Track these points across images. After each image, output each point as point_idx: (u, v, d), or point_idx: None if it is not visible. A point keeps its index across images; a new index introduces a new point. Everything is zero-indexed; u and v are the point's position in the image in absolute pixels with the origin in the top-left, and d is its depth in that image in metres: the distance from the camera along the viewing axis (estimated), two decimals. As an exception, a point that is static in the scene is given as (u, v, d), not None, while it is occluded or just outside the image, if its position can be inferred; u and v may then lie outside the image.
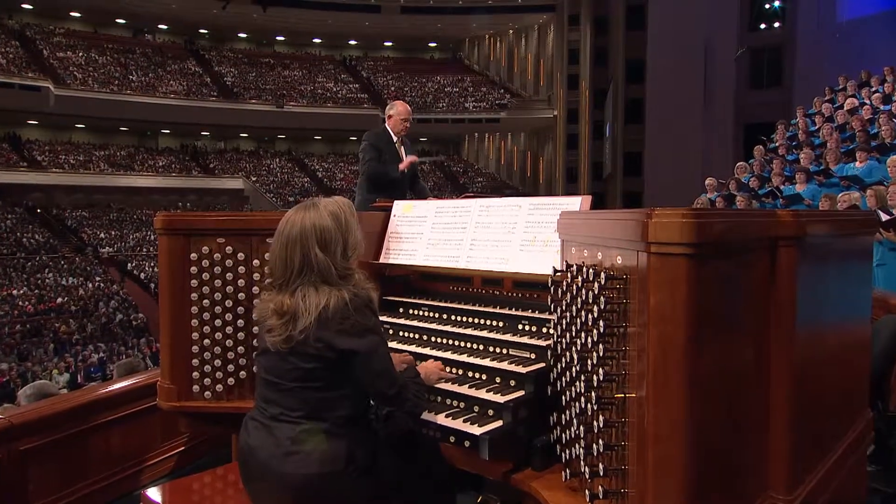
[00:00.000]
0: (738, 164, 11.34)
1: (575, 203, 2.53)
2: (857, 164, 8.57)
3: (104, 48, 38.59)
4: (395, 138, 4.92)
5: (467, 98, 44.47)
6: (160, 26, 43.01)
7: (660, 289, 1.44)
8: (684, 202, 12.26)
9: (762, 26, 27.56)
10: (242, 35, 45.90)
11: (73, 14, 39.55)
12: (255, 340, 2.77)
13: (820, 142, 10.61)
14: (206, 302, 2.78)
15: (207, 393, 2.79)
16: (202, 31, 44.23)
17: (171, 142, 40.85)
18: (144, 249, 30.35)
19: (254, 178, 38.95)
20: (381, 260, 3.10)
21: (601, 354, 1.62)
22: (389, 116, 4.95)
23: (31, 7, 37.53)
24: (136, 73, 37.76)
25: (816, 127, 11.78)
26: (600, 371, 1.62)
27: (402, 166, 4.80)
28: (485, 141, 47.61)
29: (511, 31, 46.74)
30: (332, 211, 1.96)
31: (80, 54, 36.98)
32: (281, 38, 46.82)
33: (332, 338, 1.83)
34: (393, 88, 44.49)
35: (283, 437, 1.85)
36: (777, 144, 11.97)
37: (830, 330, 2.12)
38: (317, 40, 47.29)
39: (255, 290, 2.79)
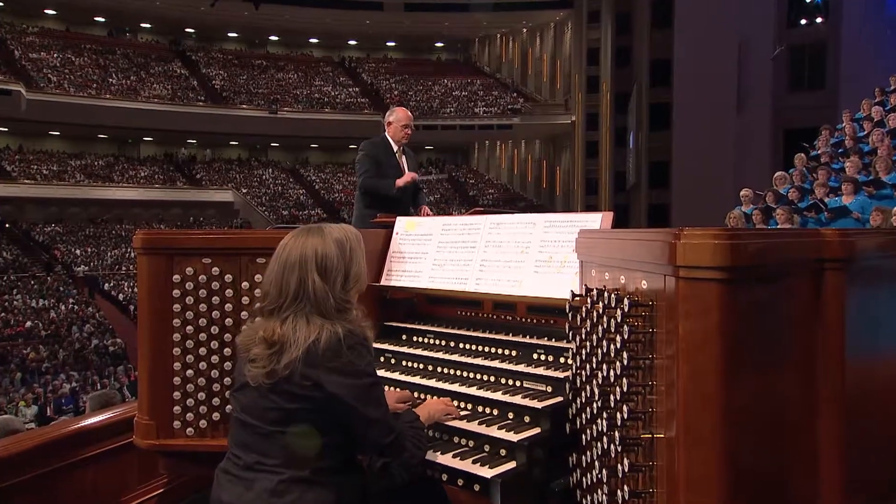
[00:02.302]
0: (777, 173, 11.32)
1: (595, 220, 2.53)
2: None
3: (81, 48, 39.13)
4: (395, 147, 4.93)
5: (477, 102, 44.74)
6: (142, 25, 43.66)
7: (690, 317, 1.43)
8: (716, 216, 12.23)
9: (803, 22, 27.61)
10: (232, 34, 46.50)
11: (47, 11, 40.19)
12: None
13: (869, 148, 10.58)
14: (189, 328, 2.78)
15: (190, 429, 2.78)
16: (188, 30, 44.84)
17: (153, 150, 41.24)
18: (123, 268, 30.54)
19: (244, 190, 39.21)
20: (383, 282, 3.10)
21: (625, 389, 1.61)
22: (389, 123, 4.97)
23: (0, 4, 38.02)
24: (115, 76, 38.25)
25: (865, 132, 11.76)
26: (624, 408, 1.61)
27: (399, 183, 4.76)
28: (496, 149, 47.81)
29: (525, 30, 47.12)
30: (337, 238, 1.97)
31: (55, 55, 37.51)
32: (274, 38, 47.38)
33: (321, 376, 1.82)
34: (396, 92, 44.85)
35: (262, 489, 1.82)
36: (820, 152, 11.94)
37: (884, 360, 2.10)
38: (313, 40, 47.83)
39: (244, 315, 2.79)
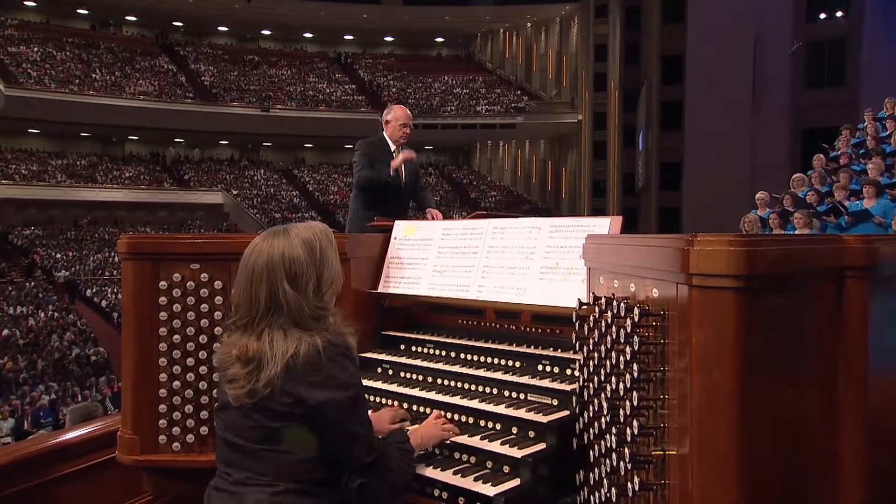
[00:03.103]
0: (795, 175, 11.34)
1: (603, 225, 2.53)
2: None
3: (63, 42, 39.24)
4: (393, 147, 4.95)
5: (479, 100, 44.84)
6: (127, 18, 43.77)
7: (704, 327, 1.43)
8: (730, 220, 12.24)
9: (822, 16, 27.67)
10: (222, 28, 46.64)
11: (27, 3, 40.35)
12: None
13: (892, 149, 10.60)
14: (176, 337, 2.78)
15: (176, 444, 2.78)
16: (176, 23, 44.94)
17: (139, 150, 41.32)
18: (107, 273, 30.52)
19: (235, 192, 39.26)
20: (380, 289, 3.10)
21: (635, 403, 1.61)
22: (387, 122, 4.99)
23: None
24: (99, 71, 38.34)
25: (888, 132, 11.77)
26: (634, 423, 1.60)
27: (394, 164, 4.77)
28: (499, 149, 47.89)
29: (529, 24, 47.25)
30: (304, 239, 1.94)
31: (35, 49, 37.61)
32: (267, 33, 47.53)
33: (303, 391, 1.81)
34: (394, 90, 44.96)
35: (256, 501, 1.83)
36: (840, 153, 11.96)
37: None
38: (308, 35, 47.96)
39: (233, 323, 2.79)
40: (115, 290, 27.44)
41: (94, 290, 28.82)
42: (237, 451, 1.88)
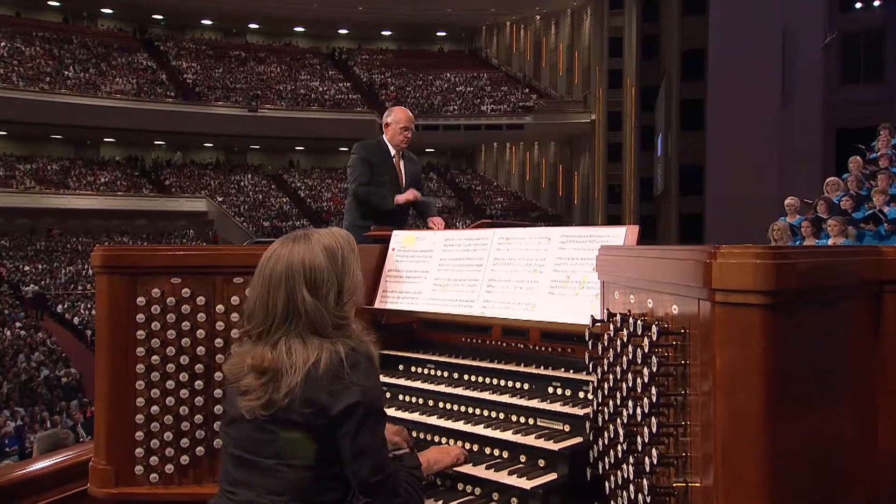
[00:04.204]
0: (829, 179, 11.33)
1: (618, 235, 2.54)
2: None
3: (32, 37, 39.43)
4: (392, 151, 4.98)
5: (484, 99, 44.99)
6: (103, 10, 44.02)
7: (728, 347, 1.43)
8: (758, 229, 12.23)
9: (857, 5, 27.70)
10: (206, 22, 46.88)
11: (-5, -5, 40.50)
12: (216, 406, 2.76)
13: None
14: (155, 358, 2.78)
15: (154, 475, 2.77)
16: (156, 16, 45.24)
17: (116, 153, 41.44)
18: (80, 287, 30.55)
19: (220, 199, 39.36)
20: (377, 305, 3.11)
21: (654, 430, 1.61)
22: (386, 125, 5.01)
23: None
24: (72, 69, 38.53)
25: (932, 131, 11.80)
26: (654, 452, 1.60)
27: (399, 200, 4.82)
28: (505, 152, 48.00)
29: (538, 17, 47.45)
30: (326, 245, 1.98)
31: (3, 44, 37.78)
32: (254, 26, 47.75)
33: (324, 400, 1.84)
34: (392, 88, 45.14)
35: None
36: (879, 154, 11.97)
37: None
38: (298, 29, 48.22)
39: (219, 342, 2.79)
40: (89, 305, 27.46)
41: (66, 306, 28.82)
42: (248, 467, 1.90)
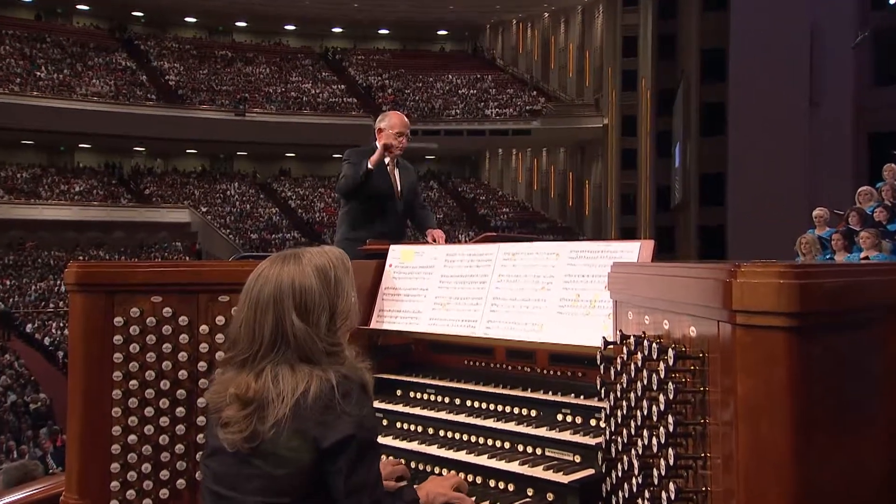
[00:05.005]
0: (861, 188, 11.32)
1: (631, 250, 2.55)
2: None
3: (2, 35, 39.56)
4: (386, 159, 4.99)
5: (488, 103, 45.12)
6: (79, 7, 44.14)
7: (751, 373, 1.42)
8: (784, 242, 12.22)
9: (891, 1, 27.74)
10: (190, 19, 47.10)
11: (-39, -9, 40.63)
12: (199, 435, 2.76)
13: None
14: (133, 383, 2.78)
15: (131, 509, 2.77)
16: (136, 13, 45.38)
17: (92, 160, 41.54)
18: (51, 305, 30.54)
19: (204, 209, 39.43)
20: (373, 325, 3.11)
21: (671, 462, 1.60)
22: (380, 130, 5.03)
23: None
24: (45, 69, 38.68)
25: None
26: (671, 486, 1.60)
27: (373, 160, 4.80)
28: (511, 159, 48.09)
29: (546, 14, 47.68)
30: (318, 266, 1.97)
31: (-30, 44, 37.92)
32: (241, 24, 47.97)
33: (315, 432, 1.83)
34: (390, 91, 45.30)
35: None
36: (916, 161, 11.95)
37: None
38: (289, 27, 48.43)
39: (202, 365, 2.79)
40: (61, 324, 27.43)
41: (36, 325, 28.81)
42: None
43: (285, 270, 1.95)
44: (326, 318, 1.94)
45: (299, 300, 1.91)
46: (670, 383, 1.62)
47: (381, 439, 2.71)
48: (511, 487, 2.33)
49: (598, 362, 2.12)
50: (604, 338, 2.15)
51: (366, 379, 1.95)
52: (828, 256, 9.48)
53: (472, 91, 46.31)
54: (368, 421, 1.91)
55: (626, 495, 1.93)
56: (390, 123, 4.99)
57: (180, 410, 2.79)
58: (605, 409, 2.14)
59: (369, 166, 4.79)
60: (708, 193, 31.75)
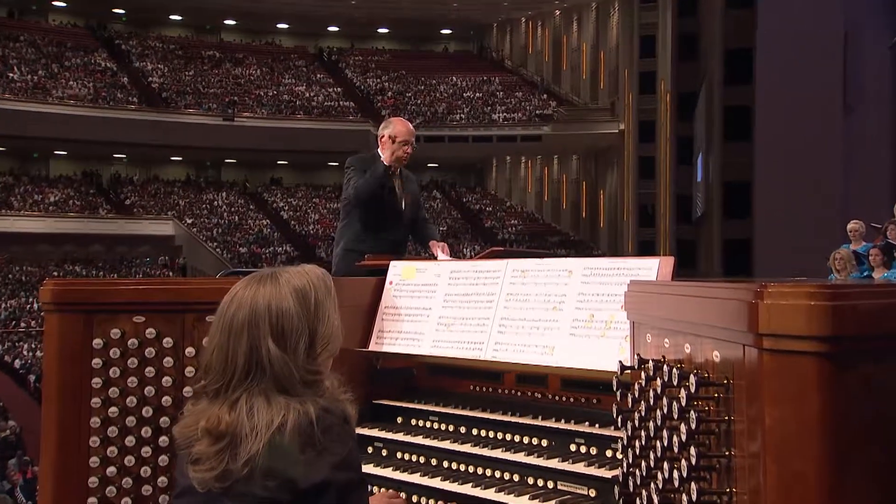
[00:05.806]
0: (899, 200, 11.32)
1: (650, 268, 2.56)
2: None
3: (-27, 35, 39.71)
4: (390, 168, 5.01)
5: (495, 107, 45.20)
6: (55, 3, 44.27)
7: (779, 403, 1.42)
8: (816, 257, 12.21)
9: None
10: (175, 17, 47.31)
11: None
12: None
13: None
14: (113, 410, 2.78)
15: (109, 548, 2.77)
16: (117, 10, 45.53)
17: (68, 168, 41.62)
18: (22, 324, 30.53)
19: (189, 221, 39.44)
20: (372, 347, 3.12)
21: (694, 498, 1.60)
22: (383, 138, 5.04)
23: None
24: (18, 70, 38.78)
25: None
26: (694, 523, 1.59)
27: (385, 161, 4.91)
28: (521, 167, 48.14)
29: (558, 13, 47.83)
30: (296, 287, 1.96)
31: (-62, 44, 38.09)
32: (231, 23, 48.15)
33: (292, 472, 1.81)
34: (390, 94, 45.41)
35: None
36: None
37: None
38: (282, 26, 48.59)
39: (188, 391, 2.79)
40: (33, 345, 27.43)
41: (6, 347, 28.80)
42: None
43: (261, 292, 1.92)
44: (305, 344, 1.92)
45: (276, 324, 1.89)
46: (692, 412, 1.61)
47: (380, 470, 2.72)
48: (520, 524, 2.33)
49: (615, 388, 2.12)
50: (620, 362, 2.15)
51: (348, 412, 1.92)
52: (864, 273, 9.46)
53: (477, 94, 46.40)
54: (351, 458, 1.89)
55: (646, 533, 1.93)
56: (395, 132, 4.99)
57: (163, 440, 2.78)
58: (621, 438, 2.13)
59: (385, 163, 4.87)
60: (732, 204, 31.64)
